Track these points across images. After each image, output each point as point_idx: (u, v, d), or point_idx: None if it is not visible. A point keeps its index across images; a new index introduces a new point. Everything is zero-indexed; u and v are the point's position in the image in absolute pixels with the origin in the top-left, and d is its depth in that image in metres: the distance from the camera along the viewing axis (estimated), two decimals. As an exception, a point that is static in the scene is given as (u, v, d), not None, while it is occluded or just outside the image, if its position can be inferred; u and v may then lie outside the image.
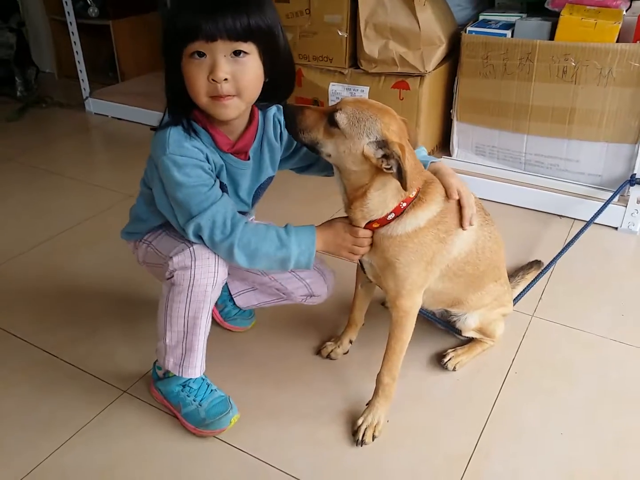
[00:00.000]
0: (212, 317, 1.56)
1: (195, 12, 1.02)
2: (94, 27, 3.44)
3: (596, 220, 1.92)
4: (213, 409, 1.26)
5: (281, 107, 1.25)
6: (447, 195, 1.18)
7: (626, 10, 2.00)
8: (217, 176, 1.17)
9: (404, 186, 1.05)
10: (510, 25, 2.14)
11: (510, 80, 2.10)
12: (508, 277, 1.48)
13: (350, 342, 1.48)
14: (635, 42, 1.91)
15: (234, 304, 1.54)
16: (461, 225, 1.18)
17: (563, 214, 2.10)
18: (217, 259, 1.15)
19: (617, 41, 1.93)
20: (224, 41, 1.02)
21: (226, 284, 1.51)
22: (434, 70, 2.23)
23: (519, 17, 2.16)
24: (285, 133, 1.25)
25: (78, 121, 3.16)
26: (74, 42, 3.16)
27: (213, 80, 1.04)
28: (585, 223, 1.91)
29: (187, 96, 1.10)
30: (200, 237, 1.13)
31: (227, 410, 1.26)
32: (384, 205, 1.12)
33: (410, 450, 1.24)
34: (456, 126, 2.29)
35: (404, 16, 2.19)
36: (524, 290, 1.61)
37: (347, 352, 1.48)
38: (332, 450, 1.24)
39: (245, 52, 1.04)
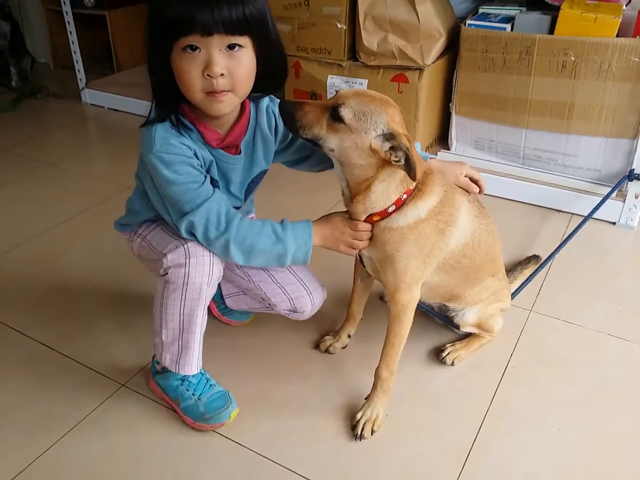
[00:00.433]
0: (210, 311, 1.57)
1: (189, 1, 0.97)
2: (89, 17, 3.41)
3: (594, 215, 1.92)
4: (212, 403, 1.26)
5: (274, 98, 1.23)
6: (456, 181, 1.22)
7: (626, 5, 1.99)
8: (207, 172, 1.15)
9: (413, 177, 1.05)
10: (510, 19, 2.13)
11: (510, 75, 2.10)
12: (506, 271, 1.48)
13: (349, 336, 1.48)
14: (635, 37, 1.91)
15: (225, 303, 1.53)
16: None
17: (561, 209, 2.10)
18: (212, 257, 1.14)
19: (617, 36, 1.92)
20: (220, 35, 0.99)
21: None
22: (433, 63, 2.22)
23: (518, 11, 2.15)
24: (281, 125, 1.22)
25: (74, 112, 3.14)
26: (70, 32, 3.13)
27: (208, 75, 1.01)
28: (583, 218, 1.91)
29: (175, 91, 1.06)
30: (193, 235, 1.12)
31: (226, 405, 1.26)
32: (386, 197, 1.12)
33: (408, 444, 1.24)
34: (455, 120, 2.29)
35: (404, 9, 2.18)
36: (522, 284, 1.61)
37: (346, 346, 1.48)
38: (331, 445, 1.24)
39: (240, 46, 1.02)
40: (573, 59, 1.97)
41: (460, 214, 1.21)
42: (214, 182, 1.17)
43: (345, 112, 1.03)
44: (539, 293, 1.68)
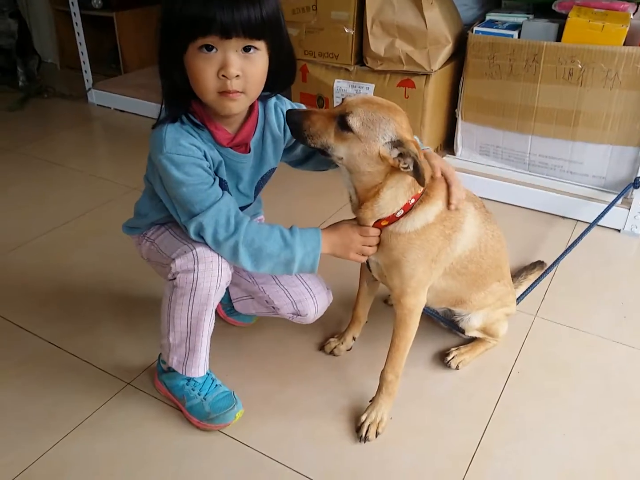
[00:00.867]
0: (216, 312, 1.57)
1: (207, 2, 0.97)
2: (97, 18, 3.43)
3: (599, 222, 1.93)
4: (218, 403, 1.26)
5: (281, 96, 1.24)
6: (434, 173, 1.16)
7: (633, 14, 2.00)
8: (216, 172, 1.15)
9: (422, 183, 1.06)
10: (517, 26, 2.14)
11: (516, 81, 2.10)
12: (511, 277, 1.48)
13: (354, 338, 1.49)
14: (642, 45, 1.92)
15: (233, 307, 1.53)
16: (448, 204, 1.16)
17: (566, 215, 2.10)
18: (220, 262, 1.13)
19: (624, 44, 1.93)
20: (238, 38, 1.00)
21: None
22: (439, 69, 2.23)
23: (525, 18, 2.16)
24: None
25: (80, 112, 3.15)
26: (78, 33, 3.15)
27: (223, 76, 1.02)
28: (588, 225, 1.91)
29: (187, 90, 1.07)
30: (201, 236, 1.12)
31: (232, 405, 1.26)
32: (395, 202, 1.12)
33: (413, 447, 1.24)
34: (461, 126, 2.29)
35: (411, 14, 2.19)
36: (527, 290, 1.62)
37: (350, 348, 1.49)
38: (336, 447, 1.24)
39: (255, 48, 1.03)
40: (580, 66, 1.98)
41: (466, 219, 1.21)
42: (222, 183, 1.17)
43: (354, 121, 1.04)
44: (543, 298, 1.68)
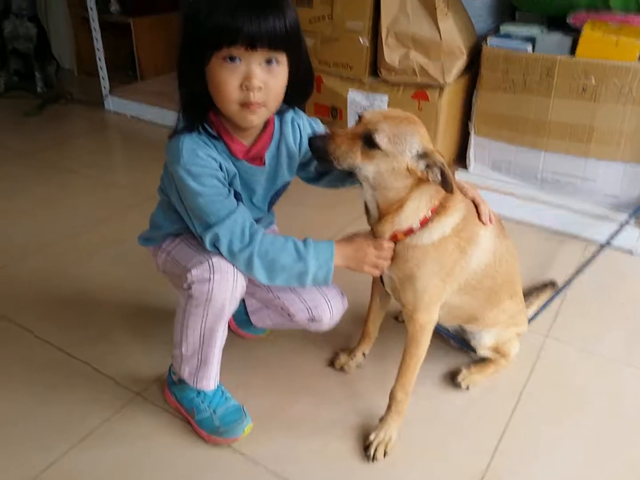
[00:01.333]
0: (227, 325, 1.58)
1: (235, 11, 0.97)
2: (115, 25, 3.47)
3: (611, 242, 1.91)
4: (227, 417, 1.27)
5: (298, 110, 1.24)
6: (464, 194, 1.18)
7: (649, 30, 1.98)
8: (230, 184, 1.16)
9: (450, 191, 1.07)
10: (531, 39, 2.12)
11: (530, 95, 2.10)
12: (523, 296, 1.47)
13: (364, 355, 1.49)
14: (657, 61, 1.90)
15: (249, 320, 1.52)
16: (481, 221, 1.19)
17: (578, 234, 2.08)
18: (236, 273, 1.14)
19: (638, 60, 1.92)
20: (263, 50, 1.01)
21: (243, 299, 1.52)
22: (453, 81, 2.23)
23: (540, 30, 2.15)
24: (305, 138, 1.23)
25: (97, 119, 3.18)
26: (96, 39, 3.17)
27: (246, 87, 1.03)
28: (599, 244, 1.90)
29: (206, 101, 1.08)
30: (216, 247, 1.12)
31: (241, 419, 1.27)
32: (416, 215, 1.13)
33: (421, 468, 1.24)
34: (473, 140, 2.29)
35: (426, 26, 2.19)
36: (538, 310, 1.61)
37: (361, 364, 1.48)
38: (344, 465, 1.24)
39: (277, 61, 1.04)
40: (594, 82, 1.97)
41: (482, 232, 1.21)
42: (237, 195, 1.18)
43: (380, 138, 1.03)
44: (555, 319, 1.67)
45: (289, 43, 1.04)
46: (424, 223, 1.14)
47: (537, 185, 2.20)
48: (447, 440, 1.30)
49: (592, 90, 1.98)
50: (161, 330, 1.57)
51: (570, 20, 2.08)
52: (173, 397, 1.35)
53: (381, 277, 1.27)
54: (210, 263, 1.13)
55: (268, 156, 1.20)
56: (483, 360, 1.47)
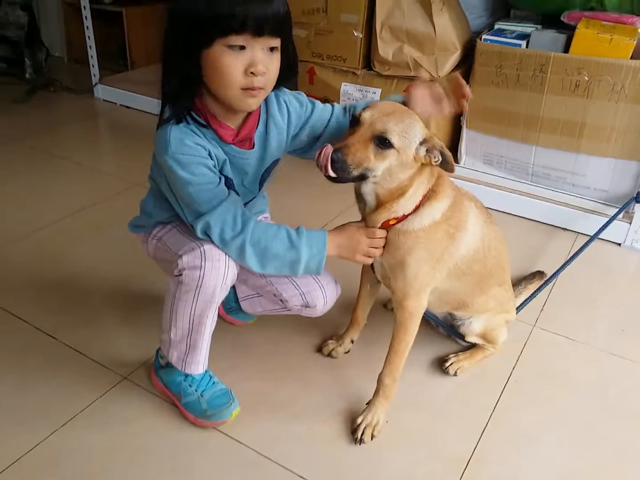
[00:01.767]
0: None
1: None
2: (106, 13, 3.44)
3: (600, 236, 1.93)
4: (215, 400, 1.26)
5: (281, 87, 1.21)
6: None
7: (641, 28, 2.01)
8: (221, 171, 1.15)
9: (451, 169, 1.10)
10: (525, 36, 2.14)
11: (522, 91, 2.11)
12: (512, 285, 1.48)
13: (352, 341, 1.49)
14: (649, 59, 1.92)
15: (240, 307, 1.52)
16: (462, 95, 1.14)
17: (567, 227, 2.10)
18: (227, 261, 1.13)
19: (631, 58, 1.93)
20: (267, 37, 1.01)
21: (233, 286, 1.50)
22: (446, 76, 2.23)
23: (534, 28, 2.17)
24: (294, 114, 1.22)
25: (86, 107, 3.16)
26: (87, 27, 3.15)
27: (252, 73, 1.03)
28: (589, 237, 1.92)
29: (194, 88, 1.07)
30: (208, 235, 1.12)
31: (228, 403, 1.26)
32: (412, 201, 1.14)
33: (408, 451, 1.24)
34: (465, 134, 2.30)
35: (421, 20, 2.20)
36: (526, 299, 1.62)
37: (349, 351, 1.49)
38: (331, 448, 1.24)
39: (276, 48, 1.05)
40: (586, 78, 1.98)
41: (469, 218, 1.22)
42: (228, 181, 1.17)
43: (394, 137, 1.04)
44: (542, 309, 1.69)
45: (286, 28, 1.05)
46: (416, 208, 1.14)
47: (527, 180, 2.22)
48: (434, 425, 1.31)
49: (585, 86, 2.00)
50: (148, 314, 1.56)
51: (564, 18, 2.10)
52: (160, 380, 1.34)
53: (372, 264, 1.27)
54: (202, 250, 1.12)
55: (257, 136, 1.19)
56: (471, 347, 1.47)
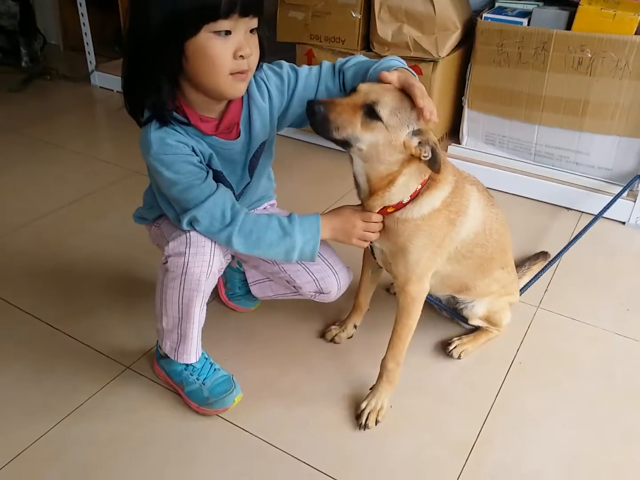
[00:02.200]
0: (217, 296, 1.56)
1: None
2: (101, 0, 3.38)
3: (604, 214, 1.91)
4: (216, 387, 1.26)
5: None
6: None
7: (646, 3, 1.96)
8: (209, 165, 1.14)
9: (438, 171, 1.06)
10: (526, 14, 2.10)
11: (524, 70, 2.07)
12: (515, 266, 1.47)
13: (355, 326, 1.48)
14: (654, 35, 1.89)
15: (248, 291, 1.51)
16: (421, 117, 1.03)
17: (571, 207, 2.08)
18: (213, 248, 1.12)
19: (636, 34, 1.89)
20: (250, 18, 1.00)
21: (243, 271, 1.49)
22: (447, 56, 2.20)
23: (535, 5, 2.12)
24: (275, 91, 1.18)
25: (83, 94, 3.12)
26: (82, 14, 3.11)
27: (241, 57, 1.01)
28: (593, 216, 1.90)
29: (174, 82, 1.04)
30: (193, 227, 1.11)
31: (230, 389, 1.26)
32: (406, 190, 1.11)
33: (413, 435, 1.24)
34: (467, 114, 2.27)
35: (420, 0, 2.16)
36: (530, 281, 1.60)
37: (352, 336, 1.48)
38: (335, 433, 1.24)
39: (255, 29, 1.03)
40: (589, 55, 1.95)
41: (470, 203, 1.20)
42: (218, 174, 1.15)
43: (383, 110, 1.01)
44: (546, 290, 1.67)
45: (262, 7, 1.03)
46: (414, 196, 1.13)
47: (530, 159, 2.19)
48: (439, 409, 1.30)
49: (588, 63, 1.96)
50: (148, 303, 1.52)
51: (566, -5, 2.06)
52: (162, 370, 1.33)
53: (372, 250, 1.26)
54: (188, 236, 1.12)
55: (241, 123, 1.16)
56: (475, 330, 1.46)
